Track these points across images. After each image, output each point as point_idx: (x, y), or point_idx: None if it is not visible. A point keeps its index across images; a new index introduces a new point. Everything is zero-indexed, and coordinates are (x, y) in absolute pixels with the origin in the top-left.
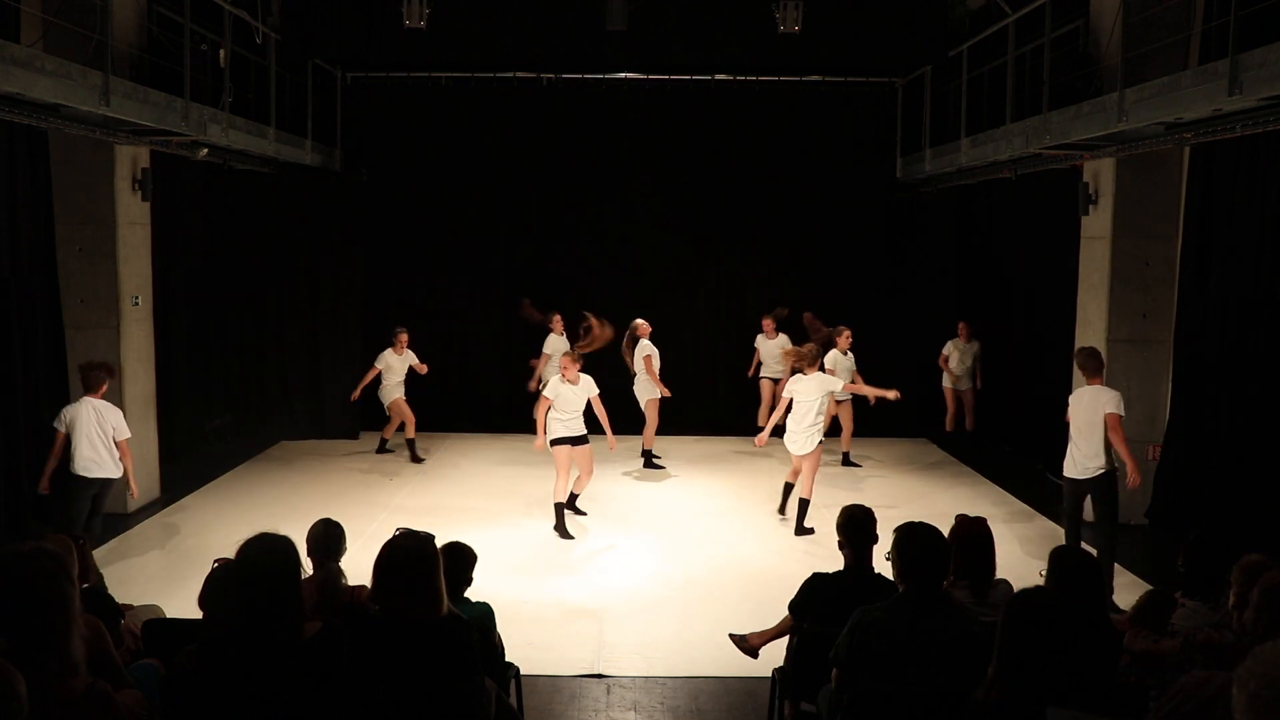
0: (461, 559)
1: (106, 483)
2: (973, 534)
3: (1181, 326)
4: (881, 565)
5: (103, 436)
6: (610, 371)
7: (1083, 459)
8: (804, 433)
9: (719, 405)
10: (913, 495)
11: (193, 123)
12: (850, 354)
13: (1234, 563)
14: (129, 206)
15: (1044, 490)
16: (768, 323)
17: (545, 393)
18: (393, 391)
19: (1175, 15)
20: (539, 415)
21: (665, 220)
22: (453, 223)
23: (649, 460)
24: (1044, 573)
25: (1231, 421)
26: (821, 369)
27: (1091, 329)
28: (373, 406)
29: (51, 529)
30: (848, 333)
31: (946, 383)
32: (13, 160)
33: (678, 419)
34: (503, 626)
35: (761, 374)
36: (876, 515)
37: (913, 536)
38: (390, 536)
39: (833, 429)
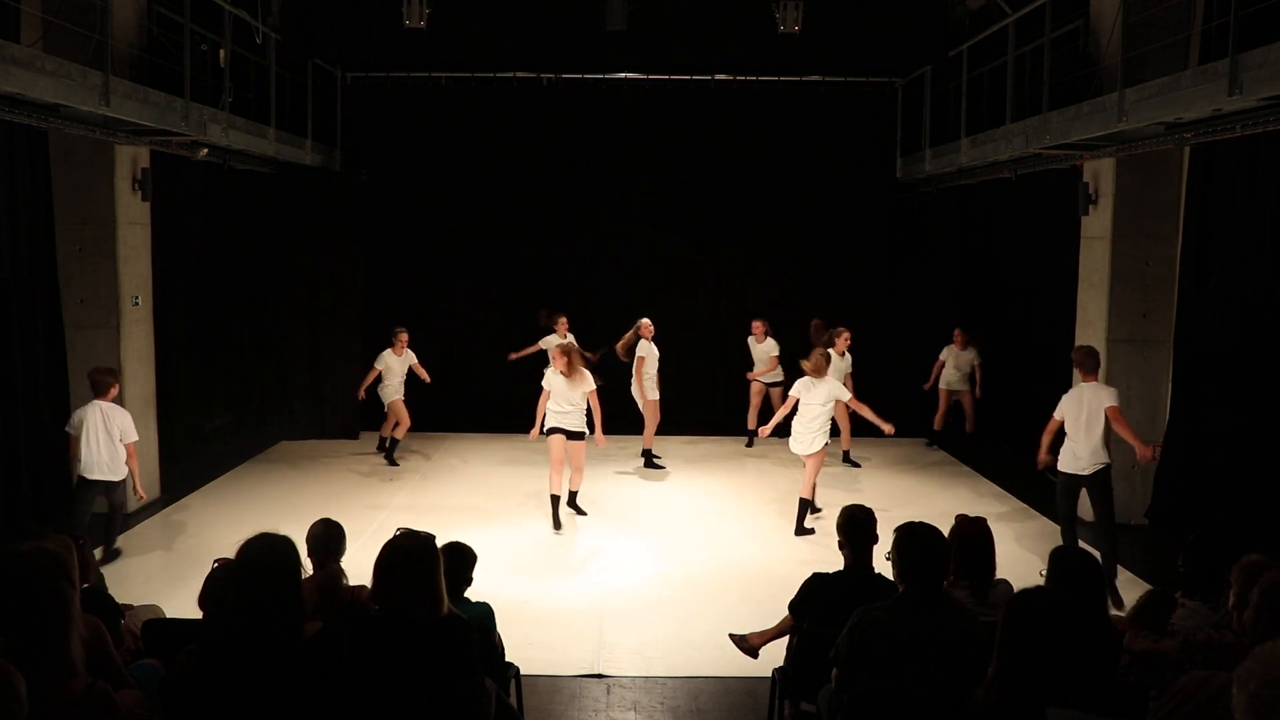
0: (461, 559)
1: (109, 485)
2: (973, 534)
3: (1181, 326)
4: (881, 565)
5: (108, 440)
6: (612, 373)
7: (1084, 455)
8: (809, 433)
9: (719, 405)
10: (913, 495)
11: (193, 123)
12: (848, 355)
13: (1234, 563)
14: (129, 206)
15: (1044, 490)
16: (757, 325)
17: (543, 383)
18: (392, 393)
19: (1175, 15)
20: (539, 406)
21: (665, 220)
22: (453, 223)
23: (649, 460)
24: (1044, 573)
25: (1231, 421)
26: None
27: (1091, 329)
28: (373, 406)
29: (52, 529)
30: (846, 334)
31: (942, 383)
32: (13, 160)
33: (677, 419)
34: (503, 626)
35: (750, 376)
36: (876, 515)
37: (913, 536)
38: (391, 536)
39: (831, 429)
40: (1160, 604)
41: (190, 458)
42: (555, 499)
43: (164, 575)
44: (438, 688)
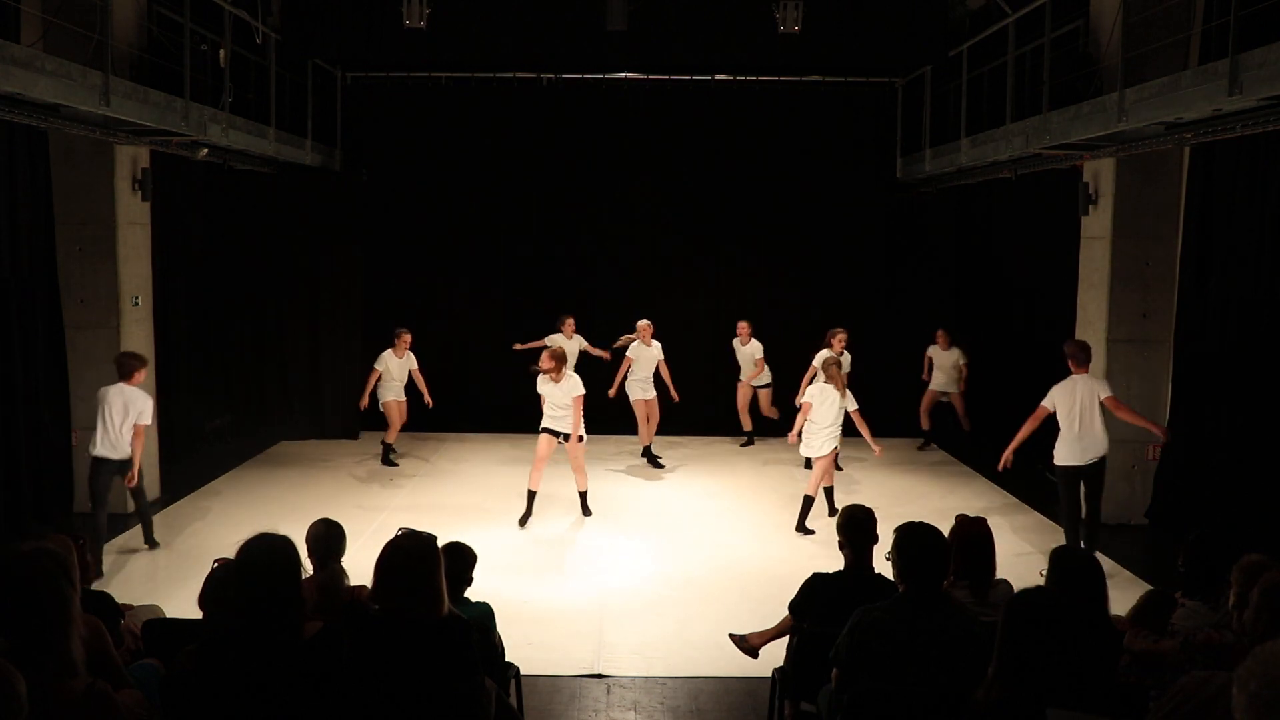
0: (462, 559)
1: (122, 465)
2: (973, 534)
3: (1181, 326)
4: (881, 565)
5: (123, 421)
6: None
7: (1082, 447)
8: (819, 438)
9: (718, 405)
10: (913, 495)
11: (193, 123)
12: (848, 354)
13: (1234, 563)
14: (129, 206)
15: (1044, 490)
16: (743, 326)
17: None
18: (389, 393)
19: (1175, 15)
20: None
21: (665, 220)
22: (453, 223)
23: (649, 456)
24: (1044, 573)
25: (1231, 421)
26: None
27: (1091, 329)
28: (374, 407)
29: (52, 529)
30: (843, 334)
31: (931, 384)
32: (13, 160)
33: (677, 419)
34: (503, 626)
35: (739, 379)
36: (876, 515)
37: (913, 536)
38: (392, 536)
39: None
40: (1160, 604)
41: (190, 458)
42: (531, 495)
43: (164, 575)
44: (438, 688)
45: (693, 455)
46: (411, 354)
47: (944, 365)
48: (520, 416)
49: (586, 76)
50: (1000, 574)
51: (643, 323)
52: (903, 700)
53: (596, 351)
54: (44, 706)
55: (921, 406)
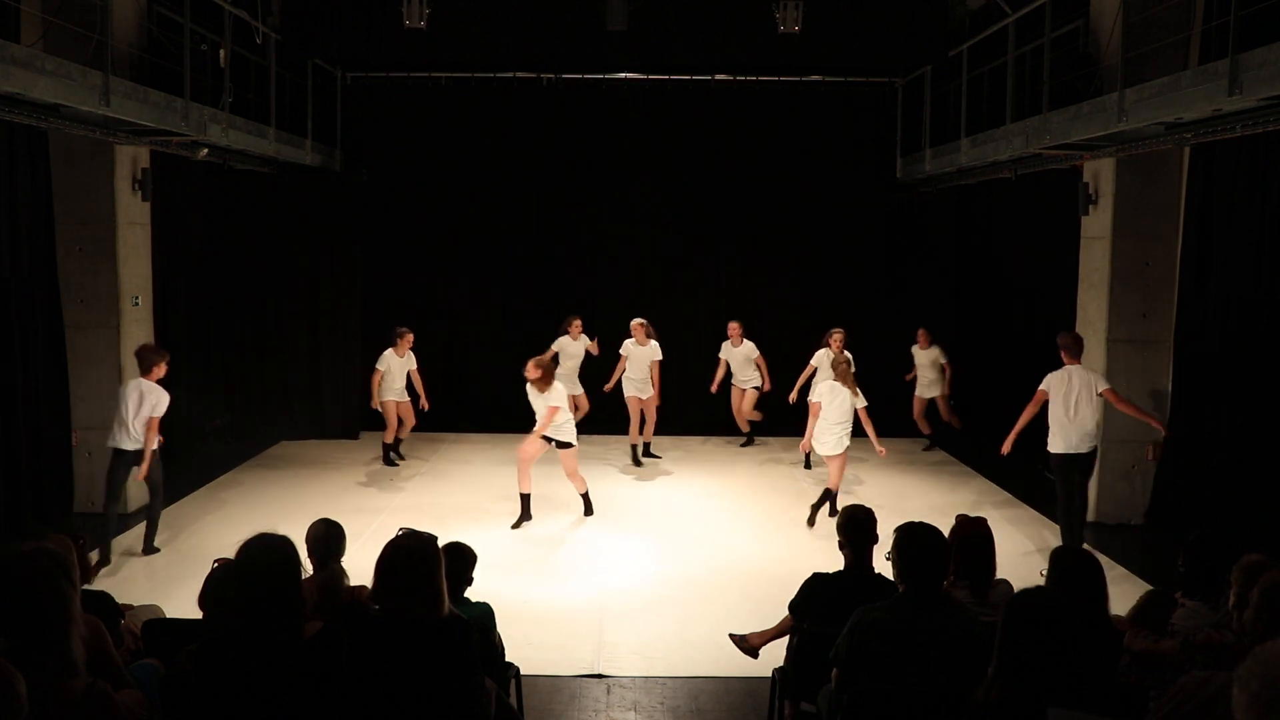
0: (462, 559)
1: (124, 454)
2: (973, 534)
3: (1181, 326)
4: (881, 565)
5: (138, 415)
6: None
7: (1076, 435)
8: (833, 436)
9: (718, 405)
10: (913, 495)
11: (193, 123)
12: (847, 353)
13: (1234, 563)
14: (129, 206)
15: (1044, 490)
16: (734, 327)
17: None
18: (386, 393)
19: (1175, 15)
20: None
21: (665, 220)
22: (453, 223)
23: (645, 452)
24: (1044, 572)
25: (1231, 421)
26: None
27: (1091, 329)
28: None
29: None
30: (840, 334)
31: (916, 389)
32: (13, 160)
33: (677, 419)
34: (503, 626)
35: (731, 381)
36: (877, 515)
37: (913, 536)
38: (393, 536)
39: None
40: (1160, 604)
41: (190, 458)
42: (524, 497)
43: (164, 575)
44: (438, 688)
45: (693, 455)
46: (412, 354)
47: (924, 364)
48: (520, 417)
49: (586, 76)
50: (1000, 574)
51: (635, 321)
52: (903, 700)
53: (589, 345)
54: (44, 706)
55: (914, 414)
